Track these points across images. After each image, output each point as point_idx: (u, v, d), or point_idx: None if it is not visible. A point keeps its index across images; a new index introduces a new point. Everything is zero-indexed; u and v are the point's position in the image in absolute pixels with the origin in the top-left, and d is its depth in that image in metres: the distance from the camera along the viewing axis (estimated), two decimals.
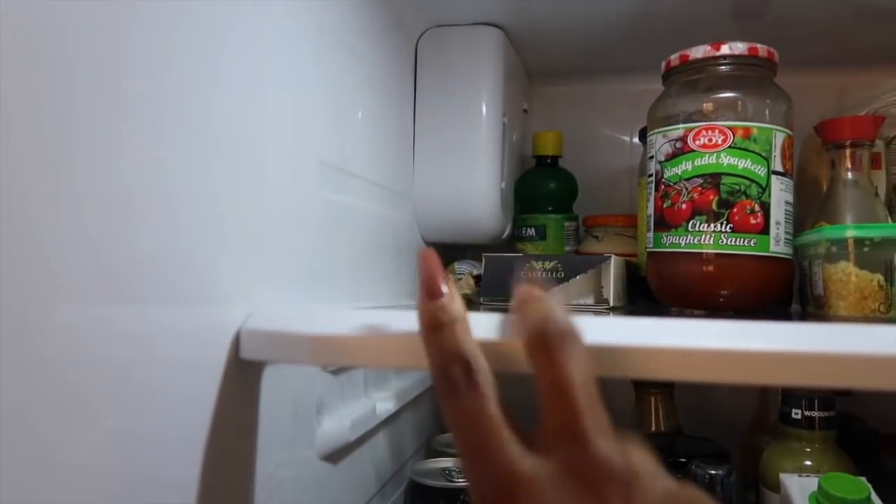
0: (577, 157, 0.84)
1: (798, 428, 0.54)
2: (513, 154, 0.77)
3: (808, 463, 0.53)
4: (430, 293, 0.25)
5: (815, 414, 0.53)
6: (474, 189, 0.69)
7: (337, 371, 0.46)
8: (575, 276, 0.62)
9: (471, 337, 0.25)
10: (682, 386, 0.72)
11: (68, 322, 0.24)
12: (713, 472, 0.51)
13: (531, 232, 0.78)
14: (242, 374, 0.34)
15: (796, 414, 0.54)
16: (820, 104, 0.74)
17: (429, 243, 0.74)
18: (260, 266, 0.37)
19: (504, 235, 0.76)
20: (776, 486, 0.52)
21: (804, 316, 0.54)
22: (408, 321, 0.29)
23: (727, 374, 0.28)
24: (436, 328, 0.25)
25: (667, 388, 0.70)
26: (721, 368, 0.28)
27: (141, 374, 0.27)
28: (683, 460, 0.55)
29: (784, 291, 0.55)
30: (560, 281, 0.62)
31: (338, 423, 0.44)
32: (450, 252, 0.78)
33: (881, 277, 0.47)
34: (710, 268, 0.54)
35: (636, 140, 0.87)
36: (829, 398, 0.54)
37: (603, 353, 0.28)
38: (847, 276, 0.48)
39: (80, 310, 0.24)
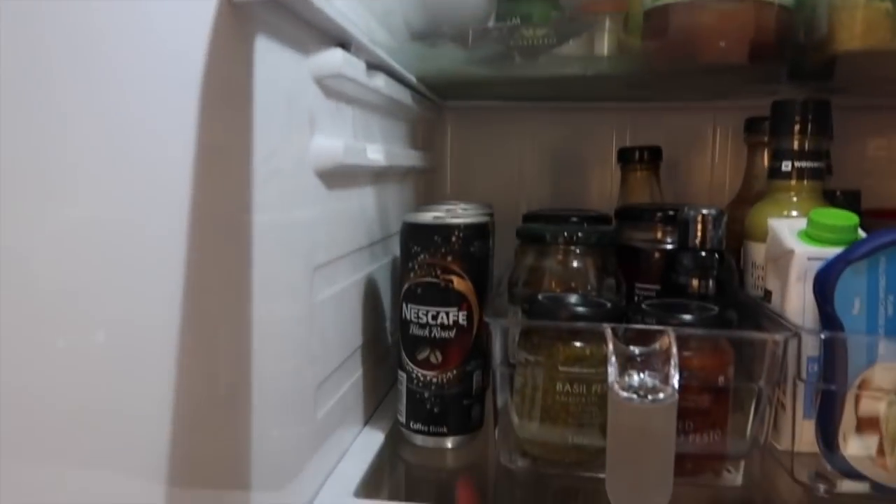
0: None
1: (787, 179, 0.54)
2: None
3: (795, 213, 0.54)
4: None
5: (805, 164, 0.54)
6: None
7: (328, 93, 0.43)
8: (567, 42, 0.60)
9: None
10: (667, 163, 0.72)
11: None
12: (706, 211, 0.51)
13: (516, 21, 0.74)
14: (234, 30, 0.31)
15: (786, 166, 0.54)
16: None
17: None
18: None
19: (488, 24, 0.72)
20: (763, 237, 0.53)
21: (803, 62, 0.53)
22: None
23: None
24: None
25: (653, 166, 0.69)
26: None
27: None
28: (672, 212, 0.56)
29: (785, 40, 0.54)
30: (552, 47, 0.60)
31: (331, 142, 0.42)
32: None
33: (890, 6, 0.46)
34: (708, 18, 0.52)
35: None
36: (818, 151, 0.54)
37: None
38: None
39: None
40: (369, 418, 0.56)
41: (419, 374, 0.51)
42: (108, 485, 0.27)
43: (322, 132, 0.43)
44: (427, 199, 0.79)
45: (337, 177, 0.46)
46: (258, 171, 0.34)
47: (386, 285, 0.60)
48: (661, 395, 0.39)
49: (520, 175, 0.87)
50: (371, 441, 0.52)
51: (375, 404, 0.58)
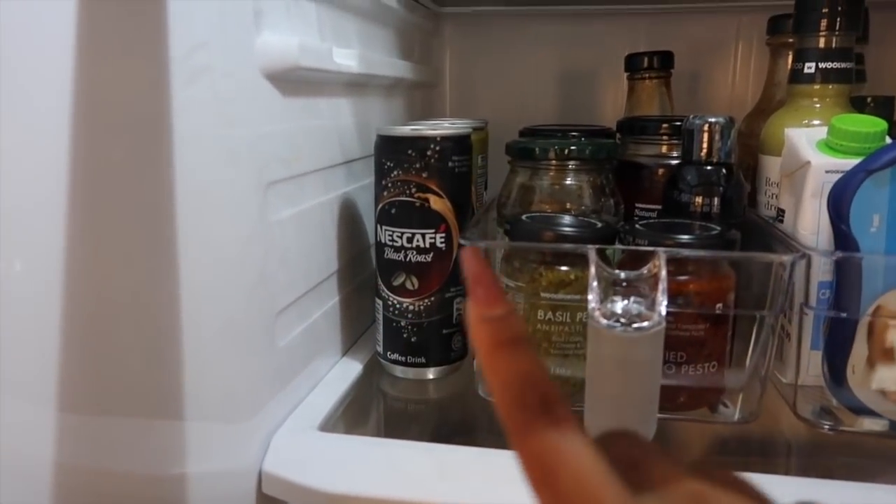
0: None
1: (810, 83, 0.48)
2: None
3: (817, 122, 0.48)
4: (483, 304, 0.19)
5: (830, 65, 0.47)
6: None
7: None
8: None
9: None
10: (686, 75, 0.66)
11: None
12: (713, 120, 0.45)
13: None
14: None
15: (809, 68, 0.48)
16: None
17: None
18: None
19: None
20: (779, 150, 0.47)
21: None
22: None
23: None
24: (499, 347, 0.19)
25: (663, 75, 0.63)
26: None
27: None
28: (679, 122, 0.50)
29: None
30: None
31: (284, 40, 0.38)
32: None
33: None
34: None
35: None
36: (846, 50, 0.47)
37: None
38: None
39: None
40: (348, 349, 0.53)
41: (395, 301, 0.47)
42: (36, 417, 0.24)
43: (273, 29, 0.38)
44: (425, 116, 0.74)
45: (296, 83, 0.41)
46: (177, 67, 0.29)
47: (368, 208, 0.56)
48: (646, 324, 0.35)
49: (525, 90, 0.81)
50: (347, 372, 0.50)
51: (357, 335, 0.55)
